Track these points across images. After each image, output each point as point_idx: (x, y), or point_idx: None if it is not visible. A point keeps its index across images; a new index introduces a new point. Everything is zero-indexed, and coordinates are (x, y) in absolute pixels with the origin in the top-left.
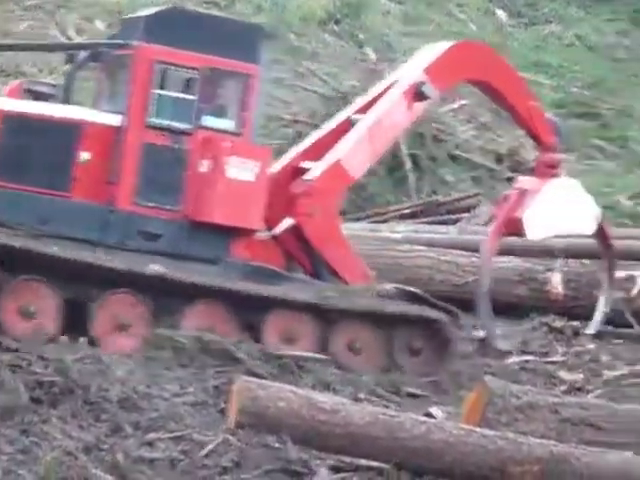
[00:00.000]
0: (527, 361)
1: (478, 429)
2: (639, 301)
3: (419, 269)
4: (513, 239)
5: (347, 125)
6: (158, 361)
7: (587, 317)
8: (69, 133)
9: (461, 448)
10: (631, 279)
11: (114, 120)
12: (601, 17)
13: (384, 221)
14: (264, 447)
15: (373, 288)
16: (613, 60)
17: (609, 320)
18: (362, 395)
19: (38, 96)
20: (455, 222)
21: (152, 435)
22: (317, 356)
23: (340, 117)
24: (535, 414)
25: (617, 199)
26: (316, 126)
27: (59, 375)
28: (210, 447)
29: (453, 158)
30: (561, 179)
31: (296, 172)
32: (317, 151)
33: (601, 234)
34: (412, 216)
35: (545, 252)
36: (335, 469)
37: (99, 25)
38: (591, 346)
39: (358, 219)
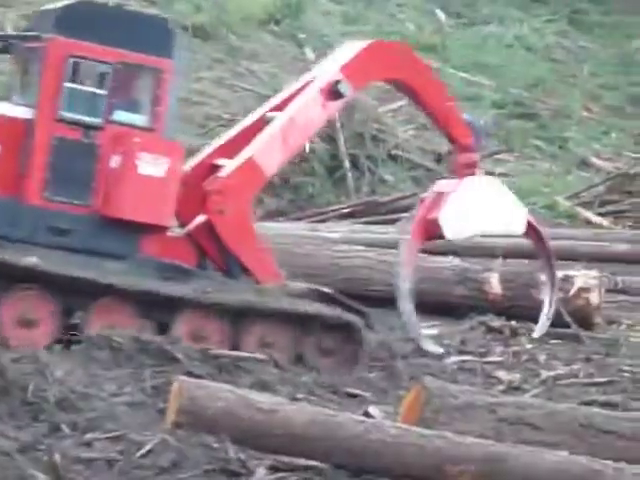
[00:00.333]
0: (465, 361)
1: (416, 428)
2: (577, 301)
3: (357, 269)
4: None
5: (262, 122)
6: (96, 361)
7: (525, 317)
8: None
9: (399, 448)
10: (569, 279)
11: (25, 113)
12: (540, 18)
13: (323, 221)
14: (202, 447)
15: (284, 286)
16: (552, 61)
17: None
18: (300, 395)
19: None
20: (394, 222)
21: (90, 435)
22: (256, 356)
23: (256, 114)
24: (473, 414)
25: (555, 199)
26: None
27: None
28: (148, 447)
29: (392, 158)
30: (477, 177)
31: (210, 169)
32: (232, 148)
33: (534, 234)
34: (351, 216)
35: (486, 252)
36: (273, 469)
37: None
38: (529, 346)
39: (298, 219)
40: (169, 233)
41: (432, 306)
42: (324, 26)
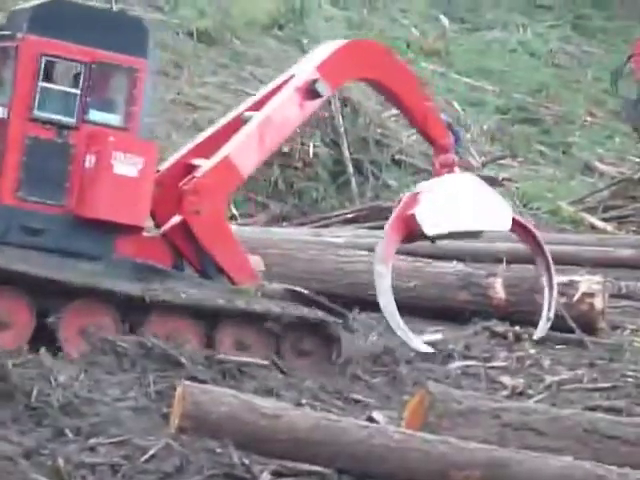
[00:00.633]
0: (469, 366)
1: (420, 434)
2: (581, 306)
3: (361, 274)
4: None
5: (239, 122)
6: (100, 366)
7: (529, 322)
8: None
9: (403, 453)
10: (573, 284)
11: None
12: (544, 23)
13: (327, 226)
14: (206, 452)
15: (260, 287)
16: (555, 66)
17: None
18: (304, 400)
19: None
20: None
21: (94, 440)
22: (260, 361)
23: (233, 113)
24: (477, 419)
25: (559, 205)
26: None
27: (0, 380)
28: (152, 452)
29: (396, 163)
30: (455, 174)
31: (187, 169)
32: (209, 148)
33: (523, 232)
34: (355, 221)
35: (490, 257)
36: (277, 474)
37: None
38: (533, 351)
39: (302, 224)
40: (145, 233)
41: (436, 311)
42: (328, 31)
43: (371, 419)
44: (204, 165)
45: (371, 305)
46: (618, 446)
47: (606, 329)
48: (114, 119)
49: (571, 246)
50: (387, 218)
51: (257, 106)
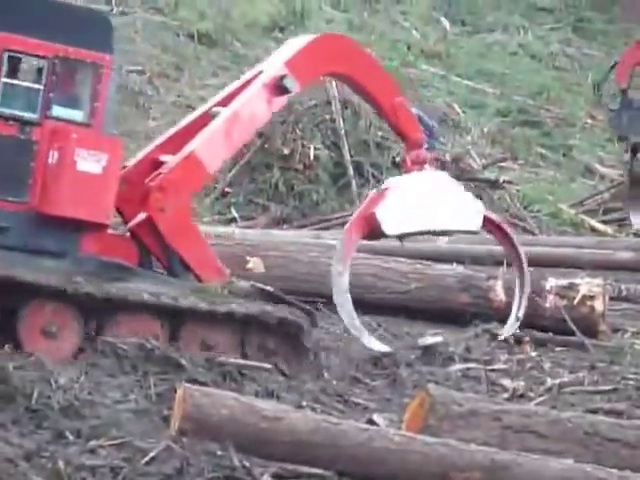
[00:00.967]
0: (469, 368)
1: (420, 436)
2: (581, 309)
3: (361, 276)
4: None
5: (207, 118)
6: (100, 368)
7: (529, 325)
8: None
9: (403, 455)
10: (573, 287)
11: None
12: (544, 26)
13: (327, 228)
14: (207, 454)
15: (227, 285)
16: (556, 69)
17: (552, 328)
18: (305, 403)
19: None
20: None
21: (94, 442)
22: (261, 364)
23: (201, 109)
24: (477, 421)
25: (559, 207)
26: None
27: (0, 382)
28: (152, 454)
29: (397, 165)
30: (423, 172)
31: (154, 165)
32: (176, 144)
33: (496, 231)
34: None
35: (490, 259)
36: (278, 476)
37: None
38: (533, 354)
39: (302, 226)
40: (110, 231)
41: (436, 313)
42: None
43: (371, 422)
44: (170, 161)
45: (371, 307)
46: (619, 449)
47: (607, 332)
48: (78, 115)
49: (571, 249)
50: None
51: (225, 101)
